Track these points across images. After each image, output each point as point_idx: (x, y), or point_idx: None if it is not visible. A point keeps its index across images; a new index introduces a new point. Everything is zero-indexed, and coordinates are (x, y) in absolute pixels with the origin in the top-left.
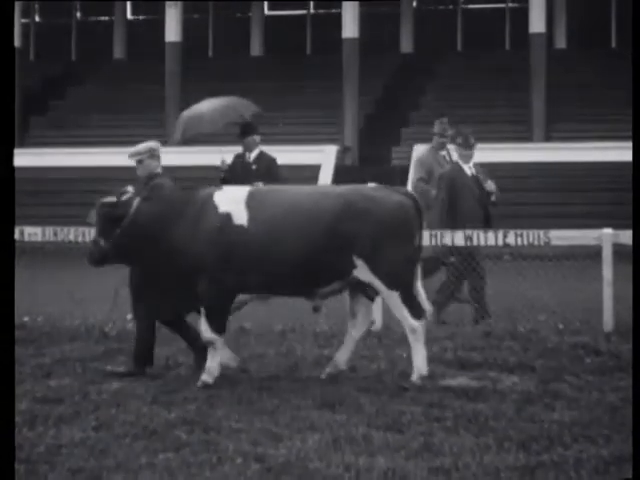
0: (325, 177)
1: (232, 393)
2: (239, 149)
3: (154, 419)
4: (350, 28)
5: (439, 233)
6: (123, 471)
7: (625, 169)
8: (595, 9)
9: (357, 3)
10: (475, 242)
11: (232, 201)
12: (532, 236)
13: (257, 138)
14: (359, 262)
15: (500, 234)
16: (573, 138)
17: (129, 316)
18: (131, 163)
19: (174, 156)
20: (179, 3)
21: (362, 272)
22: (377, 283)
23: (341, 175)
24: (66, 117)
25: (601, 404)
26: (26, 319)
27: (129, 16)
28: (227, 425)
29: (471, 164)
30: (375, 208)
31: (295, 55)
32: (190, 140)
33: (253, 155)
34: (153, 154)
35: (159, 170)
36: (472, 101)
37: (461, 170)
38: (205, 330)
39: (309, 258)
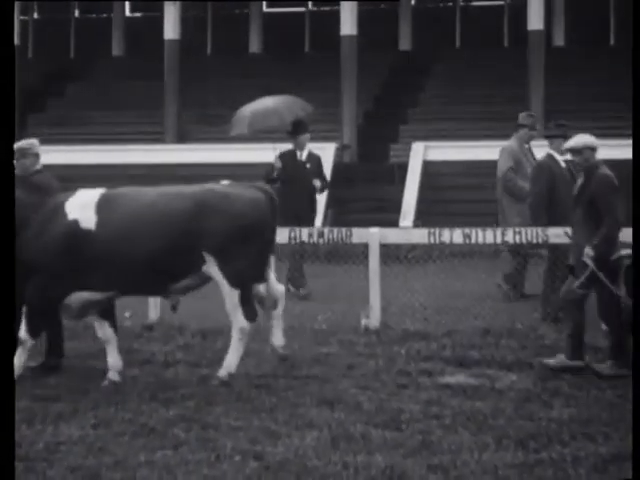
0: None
1: (230, 391)
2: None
3: (152, 417)
4: (348, 25)
5: (437, 231)
6: (122, 469)
7: (623, 166)
8: (594, 6)
9: (355, 0)
10: (474, 240)
11: (81, 207)
12: (530, 234)
13: (308, 136)
14: (209, 258)
15: (499, 232)
16: (571, 135)
17: (127, 314)
18: (129, 160)
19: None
20: (177, 1)
21: (210, 268)
22: (221, 280)
23: (340, 172)
24: (65, 114)
25: (599, 402)
26: None
27: (127, 13)
28: (225, 423)
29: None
30: (226, 205)
31: (293, 52)
32: (257, 133)
33: (305, 153)
34: (24, 153)
35: (37, 167)
36: (470, 98)
37: (557, 162)
38: (22, 329)
39: (159, 257)
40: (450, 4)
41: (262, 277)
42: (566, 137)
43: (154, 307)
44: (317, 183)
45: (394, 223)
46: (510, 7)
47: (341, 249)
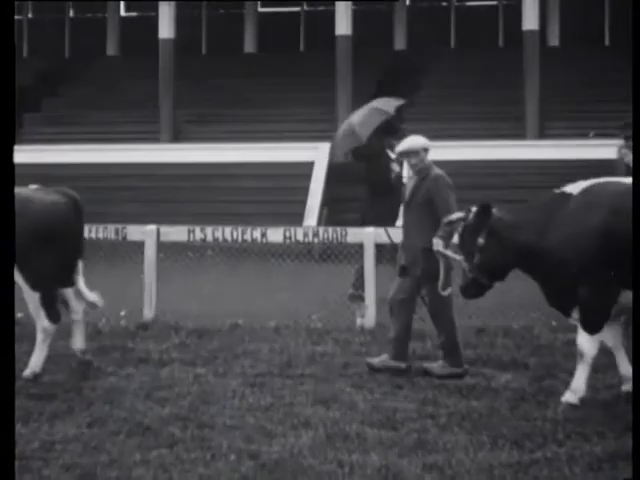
0: (319, 174)
1: (225, 389)
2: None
3: (148, 415)
4: (343, 25)
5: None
6: (117, 467)
7: (619, 166)
8: (589, 7)
9: (350, 0)
10: None
11: None
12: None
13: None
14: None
15: None
16: (567, 135)
17: (122, 313)
18: (124, 159)
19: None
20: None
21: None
22: (22, 282)
23: (335, 172)
24: (60, 114)
25: (594, 401)
26: (20, 315)
27: (122, 13)
28: (221, 421)
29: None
30: (24, 209)
31: (288, 52)
32: (350, 156)
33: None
34: None
35: None
36: (465, 98)
37: None
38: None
39: None
40: (445, 4)
41: (68, 282)
42: None
43: (149, 306)
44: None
45: None
46: (505, 7)
47: (335, 249)
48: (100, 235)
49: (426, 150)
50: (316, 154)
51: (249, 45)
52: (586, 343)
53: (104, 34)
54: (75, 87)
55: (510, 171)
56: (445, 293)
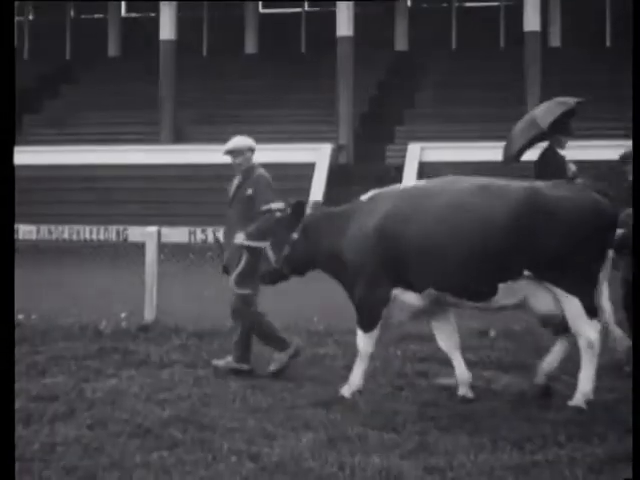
0: (320, 175)
1: (226, 392)
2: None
3: (148, 417)
4: (344, 26)
5: None
6: (118, 469)
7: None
8: (590, 7)
9: (351, 1)
10: None
11: None
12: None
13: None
14: None
15: None
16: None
17: (123, 314)
18: (125, 160)
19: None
20: (173, 1)
21: None
22: None
23: (336, 173)
24: (60, 115)
25: (595, 403)
26: (20, 317)
27: (123, 14)
28: (221, 424)
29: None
30: None
31: (289, 53)
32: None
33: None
34: None
35: None
36: (466, 99)
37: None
38: None
39: None
40: (446, 5)
41: None
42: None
43: (150, 308)
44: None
45: None
46: (506, 8)
47: None
48: (101, 236)
49: (252, 150)
50: (317, 155)
51: (250, 46)
52: (360, 340)
53: (105, 35)
54: (76, 88)
55: (512, 172)
56: (239, 289)
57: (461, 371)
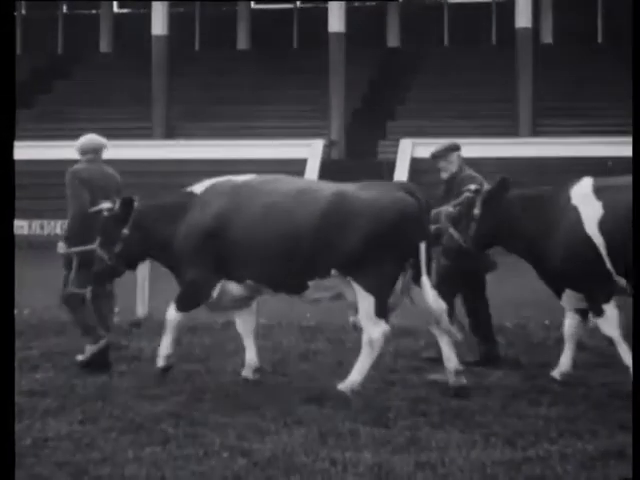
0: (312, 171)
1: (218, 387)
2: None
3: (140, 413)
4: (336, 22)
5: None
6: (109, 465)
7: (611, 163)
8: (581, 4)
9: None
10: None
11: None
12: None
13: None
14: None
15: None
16: (559, 133)
17: (115, 310)
18: (118, 156)
19: None
20: None
21: None
22: None
23: (328, 169)
24: (53, 110)
25: (587, 399)
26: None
27: (115, 9)
28: (213, 419)
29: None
30: None
31: (281, 49)
32: None
33: None
34: None
35: None
36: (458, 95)
37: None
38: None
39: None
40: (438, 1)
41: None
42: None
43: (142, 303)
44: None
45: None
46: (498, 5)
47: None
48: None
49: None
50: (309, 151)
51: (242, 42)
52: (170, 314)
53: (97, 31)
54: (68, 84)
55: (503, 169)
56: (75, 290)
57: (251, 356)
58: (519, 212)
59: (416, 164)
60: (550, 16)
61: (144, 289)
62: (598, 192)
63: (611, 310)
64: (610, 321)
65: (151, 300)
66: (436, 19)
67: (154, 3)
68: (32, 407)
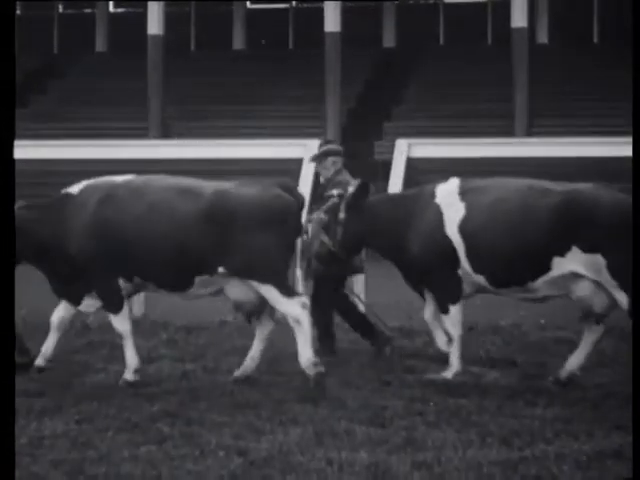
0: (307, 171)
1: (214, 386)
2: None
3: (136, 412)
4: (332, 22)
5: None
6: (105, 463)
7: (607, 164)
8: (577, 4)
9: None
10: None
11: None
12: None
13: None
14: None
15: None
16: (555, 133)
17: None
18: (113, 155)
19: None
20: None
21: None
22: None
23: None
24: (48, 110)
25: (583, 400)
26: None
27: (111, 9)
28: (209, 418)
29: None
30: None
31: (277, 49)
32: None
33: None
34: None
35: None
36: (454, 96)
37: None
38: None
39: None
40: (433, 1)
41: None
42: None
43: (138, 303)
44: None
45: None
46: (493, 4)
47: None
48: None
49: None
50: (305, 151)
51: (238, 42)
52: (116, 323)
53: (93, 30)
54: (64, 83)
55: (498, 169)
56: None
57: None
58: (382, 214)
59: (412, 164)
60: (546, 16)
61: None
62: (463, 193)
63: (456, 310)
64: (453, 319)
65: (147, 299)
66: (432, 19)
67: (150, 3)
68: (28, 406)
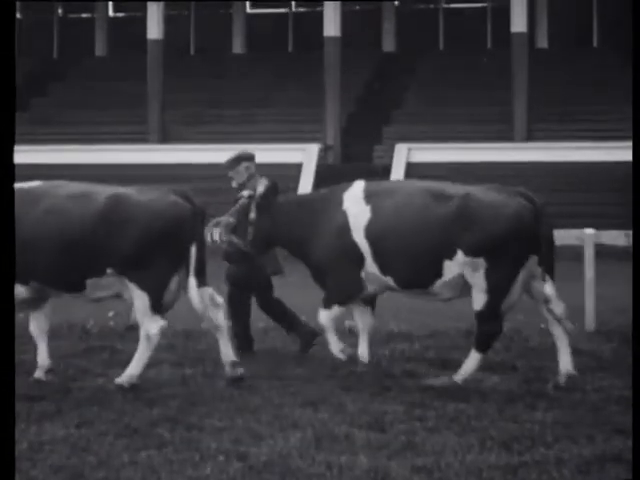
0: (307, 176)
1: (214, 391)
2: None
3: (136, 416)
4: (332, 26)
5: None
6: (105, 469)
7: (606, 168)
8: (577, 9)
9: (339, 1)
10: None
11: None
12: None
13: None
14: None
15: None
16: (554, 137)
17: (110, 313)
18: (113, 160)
19: None
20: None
21: None
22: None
23: (323, 174)
24: (48, 114)
25: (583, 404)
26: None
27: (111, 13)
28: (209, 423)
29: None
30: None
31: (277, 53)
32: None
33: None
34: None
35: None
36: (453, 100)
37: None
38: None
39: None
40: (433, 6)
41: None
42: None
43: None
44: None
45: None
46: (493, 9)
47: None
48: None
49: None
50: (304, 155)
51: (237, 46)
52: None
53: (92, 34)
54: (63, 87)
55: (498, 173)
56: None
57: (42, 357)
58: (291, 215)
59: (412, 169)
60: (545, 21)
61: None
62: (368, 196)
63: (339, 311)
64: (331, 316)
65: None
66: (432, 24)
67: (149, 7)
68: (28, 411)
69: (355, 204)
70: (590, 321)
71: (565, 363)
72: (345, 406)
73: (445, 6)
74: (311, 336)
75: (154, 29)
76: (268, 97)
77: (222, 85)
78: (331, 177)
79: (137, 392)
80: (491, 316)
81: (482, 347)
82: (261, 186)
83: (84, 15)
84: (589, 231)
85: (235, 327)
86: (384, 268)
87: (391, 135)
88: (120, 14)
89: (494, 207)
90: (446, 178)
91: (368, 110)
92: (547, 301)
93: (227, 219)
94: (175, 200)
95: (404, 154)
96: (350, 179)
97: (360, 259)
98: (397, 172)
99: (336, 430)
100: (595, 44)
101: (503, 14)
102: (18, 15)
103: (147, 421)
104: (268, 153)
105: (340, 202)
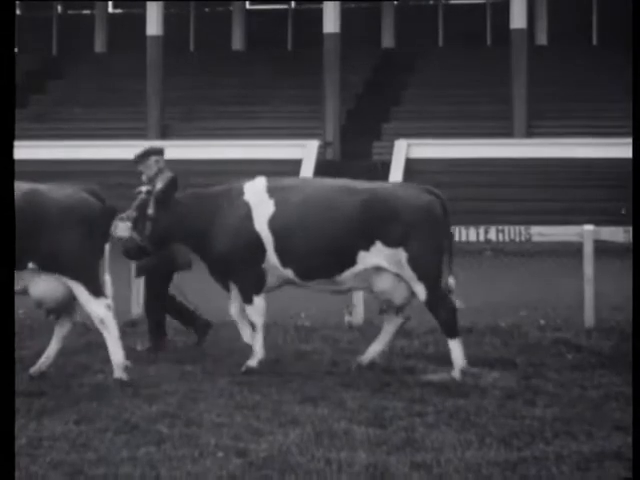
0: (306, 172)
1: (213, 387)
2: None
3: (135, 413)
4: (331, 23)
5: None
6: (104, 465)
7: (605, 165)
8: (576, 6)
9: None
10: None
11: None
12: (513, 232)
13: None
14: None
15: (482, 229)
16: (554, 134)
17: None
18: (113, 156)
19: None
20: None
21: None
22: None
23: (322, 170)
24: (47, 111)
25: (582, 400)
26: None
27: (110, 10)
28: (208, 419)
29: None
30: None
31: (276, 50)
32: None
33: None
34: None
35: None
36: (453, 97)
37: None
38: None
39: None
40: (432, 2)
41: None
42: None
43: (137, 303)
44: None
45: None
46: (493, 5)
47: None
48: None
49: None
50: (304, 151)
51: (237, 43)
52: None
53: (92, 31)
54: (62, 84)
55: (497, 169)
56: None
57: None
58: (189, 210)
59: (411, 165)
60: (545, 17)
61: (139, 289)
62: (271, 191)
63: (260, 300)
64: (257, 309)
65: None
66: (431, 20)
67: (149, 3)
68: (27, 407)
69: (257, 195)
70: (589, 317)
71: (377, 348)
72: (344, 402)
73: (444, 2)
74: (206, 327)
75: (153, 26)
76: (267, 94)
77: (221, 82)
78: (330, 173)
79: (136, 388)
80: (438, 301)
81: (451, 332)
82: (160, 181)
83: (84, 12)
84: (588, 227)
85: (148, 324)
86: (285, 260)
87: (390, 131)
88: (119, 11)
89: (407, 199)
90: (446, 174)
91: (367, 106)
92: (449, 291)
93: (129, 214)
94: (87, 197)
95: (403, 150)
96: (349, 175)
97: (262, 250)
98: (396, 168)
99: (335, 426)
100: (595, 41)
101: (502, 10)
102: (18, 12)
103: (146, 417)
104: (268, 149)
105: (242, 194)
